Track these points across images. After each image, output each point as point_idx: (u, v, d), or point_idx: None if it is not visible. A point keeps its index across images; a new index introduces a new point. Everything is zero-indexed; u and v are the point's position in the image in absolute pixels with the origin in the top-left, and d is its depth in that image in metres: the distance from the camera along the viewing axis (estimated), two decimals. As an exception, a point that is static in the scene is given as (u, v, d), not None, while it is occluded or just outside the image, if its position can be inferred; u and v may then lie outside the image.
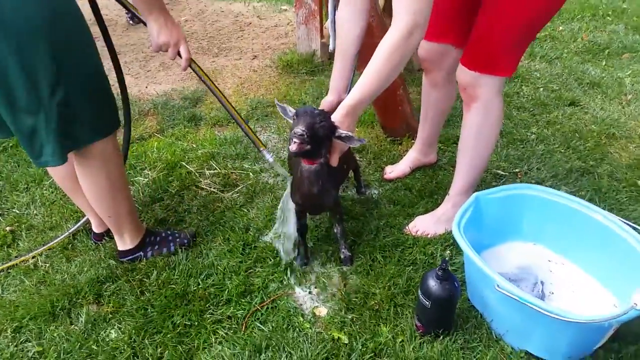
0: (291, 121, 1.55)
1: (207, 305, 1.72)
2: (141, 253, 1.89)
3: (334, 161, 1.59)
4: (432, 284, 1.48)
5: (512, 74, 1.75)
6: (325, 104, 1.79)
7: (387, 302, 1.70)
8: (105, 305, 1.74)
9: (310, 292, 1.79)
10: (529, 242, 1.85)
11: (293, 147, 1.44)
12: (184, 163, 2.43)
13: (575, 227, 1.71)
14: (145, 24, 1.58)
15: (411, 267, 1.84)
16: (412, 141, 2.49)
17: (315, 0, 3.37)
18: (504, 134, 2.68)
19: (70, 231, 2.00)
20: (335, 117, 1.54)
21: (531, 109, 2.95)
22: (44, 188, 2.30)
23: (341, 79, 1.80)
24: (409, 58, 1.54)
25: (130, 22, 4.46)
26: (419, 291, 1.54)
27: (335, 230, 1.87)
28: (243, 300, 1.74)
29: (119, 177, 1.71)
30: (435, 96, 2.14)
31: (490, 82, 1.72)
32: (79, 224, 2.01)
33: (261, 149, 1.80)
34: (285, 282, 1.82)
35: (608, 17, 4.36)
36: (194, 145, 2.59)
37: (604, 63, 3.54)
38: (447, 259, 1.48)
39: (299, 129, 1.43)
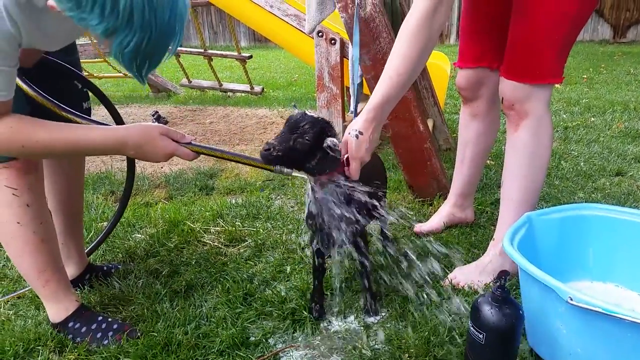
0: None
1: (193, 355, 1.35)
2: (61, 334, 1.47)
3: (353, 172, 1.32)
4: (488, 309, 1.13)
5: (562, 81, 1.54)
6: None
7: (425, 355, 1.31)
8: (68, 353, 1.38)
9: (324, 347, 1.41)
10: (598, 282, 1.47)
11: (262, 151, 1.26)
12: (188, 222, 2.18)
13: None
14: None
15: (451, 317, 1.46)
16: (444, 201, 2.21)
17: (337, 84, 3.35)
18: (549, 198, 2.38)
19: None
20: (358, 124, 1.31)
21: (574, 179, 2.66)
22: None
23: None
24: (435, 42, 1.35)
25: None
26: (469, 322, 1.17)
27: (359, 274, 1.53)
28: (238, 352, 1.37)
29: (10, 223, 1.33)
30: (476, 128, 1.90)
31: (541, 94, 1.52)
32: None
33: (272, 167, 1.44)
34: (292, 335, 1.46)
35: (640, 110, 4.22)
36: (202, 208, 2.35)
37: (646, 144, 3.30)
38: (505, 270, 1.12)
39: (270, 141, 1.25)
